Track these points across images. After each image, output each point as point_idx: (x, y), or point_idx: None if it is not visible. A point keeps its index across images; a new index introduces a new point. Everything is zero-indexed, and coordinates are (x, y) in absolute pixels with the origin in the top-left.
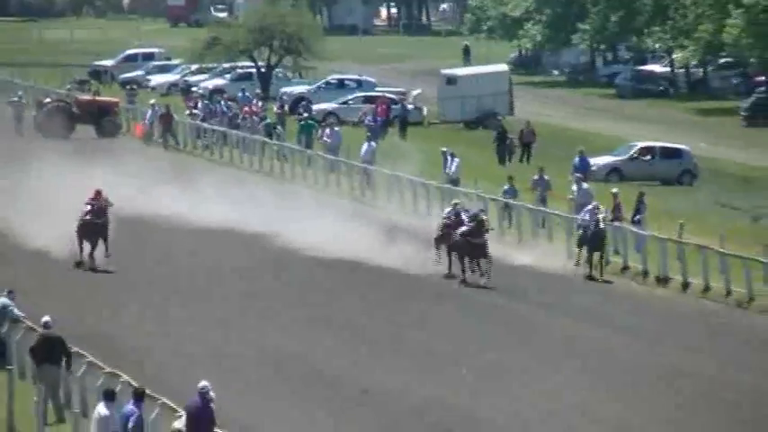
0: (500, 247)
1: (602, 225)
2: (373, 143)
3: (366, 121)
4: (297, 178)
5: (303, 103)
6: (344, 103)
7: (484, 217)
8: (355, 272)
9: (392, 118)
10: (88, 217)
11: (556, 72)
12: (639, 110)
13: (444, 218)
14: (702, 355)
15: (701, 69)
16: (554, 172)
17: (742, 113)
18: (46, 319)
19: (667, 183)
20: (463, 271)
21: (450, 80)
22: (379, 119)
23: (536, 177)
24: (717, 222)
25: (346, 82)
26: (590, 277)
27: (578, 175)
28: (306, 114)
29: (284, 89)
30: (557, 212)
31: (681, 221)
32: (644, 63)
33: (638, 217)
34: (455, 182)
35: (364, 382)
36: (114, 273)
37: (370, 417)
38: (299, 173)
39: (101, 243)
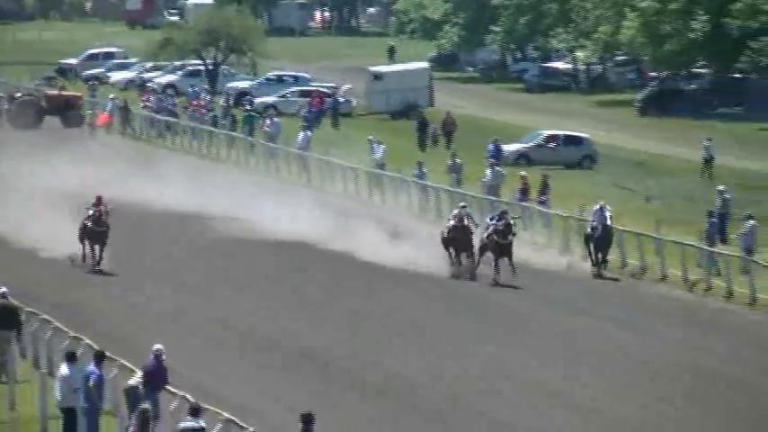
0: (422, 224)
1: (609, 223)
2: (309, 132)
3: (302, 113)
4: (241, 163)
5: (246, 97)
6: (283, 96)
7: (511, 220)
8: (305, 251)
9: (325, 109)
10: (89, 224)
11: (471, 69)
12: (545, 102)
13: (450, 219)
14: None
15: (600, 66)
16: (469, 157)
17: (636, 105)
18: (3, 290)
19: (570, 167)
20: (497, 271)
21: (377, 76)
22: (313, 110)
23: (450, 162)
24: (614, 202)
25: (285, 78)
26: (598, 275)
27: (492, 159)
28: (249, 107)
29: (229, 84)
30: (471, 194)
31: (582, 202)
32: (549, 61)
33: (543, 197)
34: (381, 166)
35: (319, 349)
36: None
37: (314, 377)
38: (242, 158)
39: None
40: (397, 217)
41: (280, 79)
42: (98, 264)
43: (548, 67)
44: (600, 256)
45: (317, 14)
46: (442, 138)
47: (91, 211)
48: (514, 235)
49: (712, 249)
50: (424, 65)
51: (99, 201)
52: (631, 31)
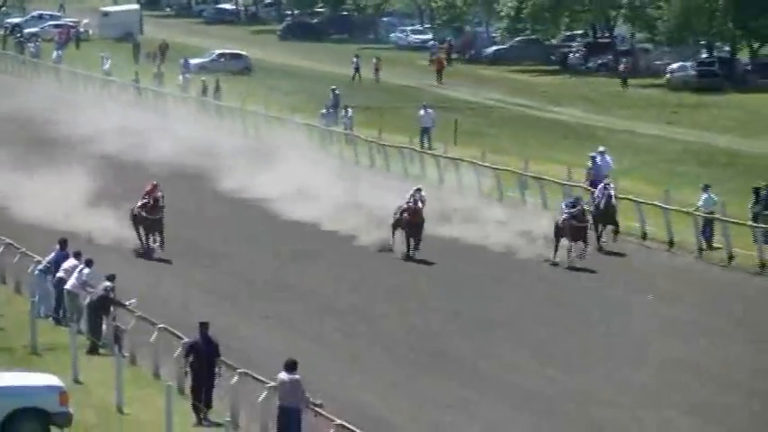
0: (138, 112)
1: (613, 201)
2: (60, 52)
3: (56, 39)
4: (19, 75)
5: (17, 28)
6: (43, 27)
7: (585, 205)
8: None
9: (71, 37)
10: (143, 213)
11: (168, 9)
12: (219, 31)
13: (406, 203)
14: None
15: (254, 7)
16: (169, 68)
17: (278, 33)
18: None
19: (235, 74)
20: (569, 252)
21: (105, 14)
22: (63, 37)
23: (156, 71)
24: (265, 96)
25: (44, 15)
26: (599, 249)
27: (183, 70)
28: (19, 35)
29: (6, 20)
30: (168, 91)
31: (243, 97)
32: (220, 3)
33: (217, 95)
34: (108, 74)
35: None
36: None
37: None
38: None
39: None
40: (122, 109)
41: (41, 16)
42: (161, 247)
43: (219, 8)
44: (603, 229)
45: None
46: (159, 55)
47: (144, 200)
48: (588, 217)
49: (328, 128)
50: (136, 6)
51: (154, 188)
52: None
